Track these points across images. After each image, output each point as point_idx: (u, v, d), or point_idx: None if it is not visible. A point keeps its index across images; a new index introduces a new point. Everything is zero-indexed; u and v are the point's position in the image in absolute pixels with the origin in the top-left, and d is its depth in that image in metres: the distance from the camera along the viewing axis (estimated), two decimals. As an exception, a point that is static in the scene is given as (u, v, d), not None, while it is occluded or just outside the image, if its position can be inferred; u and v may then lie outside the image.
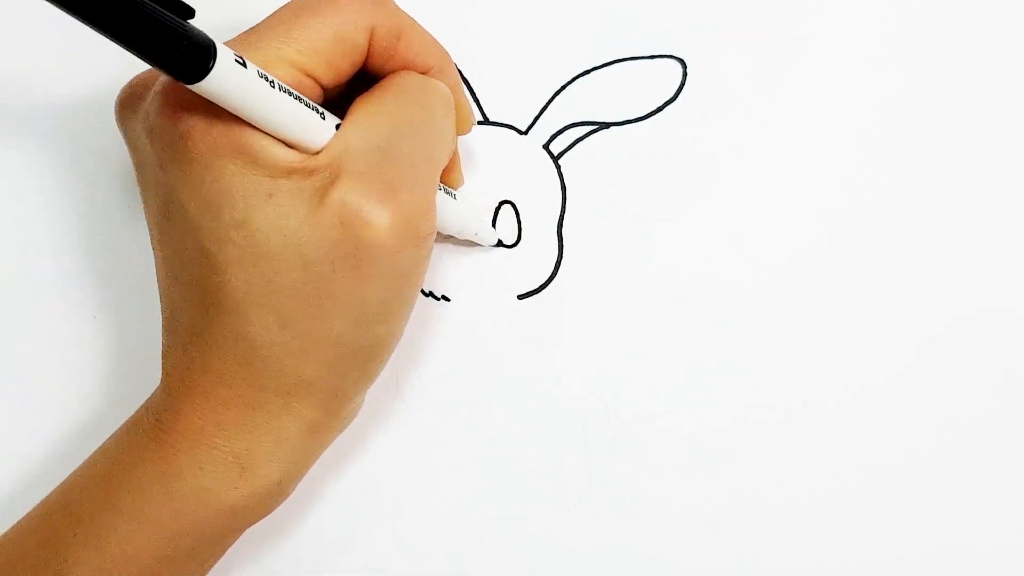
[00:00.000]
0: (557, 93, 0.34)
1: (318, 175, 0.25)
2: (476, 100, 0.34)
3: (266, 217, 0.25)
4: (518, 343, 0.33)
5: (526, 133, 0.34)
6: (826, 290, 0.33)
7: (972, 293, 0.33)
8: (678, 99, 0.34)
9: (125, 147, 0.28)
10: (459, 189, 0.33)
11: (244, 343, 0.26)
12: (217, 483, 0.27)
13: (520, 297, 0.34)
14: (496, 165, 0.34)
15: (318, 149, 0.26)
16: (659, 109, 0.34)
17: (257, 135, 0.25)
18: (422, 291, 0.34)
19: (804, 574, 0.32)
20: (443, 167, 0.28)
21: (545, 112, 0.34)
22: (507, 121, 0.34)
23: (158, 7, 0.21)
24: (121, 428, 0.29)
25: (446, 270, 0.34)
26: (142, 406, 0.29)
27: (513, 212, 0.34)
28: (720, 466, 0.33)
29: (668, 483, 0.33)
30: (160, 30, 0.21)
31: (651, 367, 0.33)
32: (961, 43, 0.33)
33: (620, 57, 0.34)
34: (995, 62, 0.33)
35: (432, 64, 0.29)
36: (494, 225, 0.34)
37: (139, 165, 0.28)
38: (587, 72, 0.34)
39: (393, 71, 0.28)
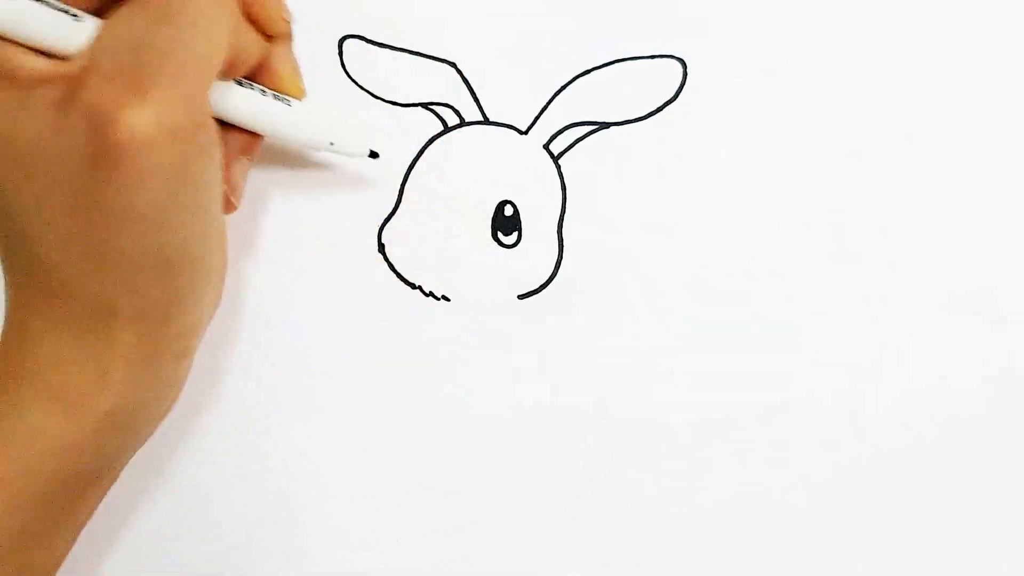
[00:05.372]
0: (557, 93, 0.34)
1: (70, 80, 0.24)
2: (476, 100, 0.34)
3: (23, 129, 0.24)
4: (518, 343, 0.33)
5: (526, 133, 0.34)
6: (827, 290, 0.33)
7: (967, 295, 0.33)
8: (678, 99, 0.34)
9: None
10: (304, 99, 0.31)
11: (39, 269, 0.26)
12: (43, 420, 0.26)
13: (520, 297, 0.34)
14: (496, 165, 0.34)
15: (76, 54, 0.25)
16: (659, 109, 0.34)
17: (7, 47, 0.24)
18: (422, 291, 0.34)
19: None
20: (217, 60, 0.26)
21: (545, 112, 0.34)
22: (507, 121, 0.34)
23: None
24: None
25: (446, 270, 0.34)
26: None
27: (513, 211, 0.34)
28: (721, 466, 0.33)
29: (668, 484, 0.33)
30: None
31: (651, 367, 0.33)
32: (961, 44, 0.33)
33: (620, 57, 0.34)
34: (994, 65, 0.33)
35: None
36: (495, 225, 0.34)
37: None
38: (587, 72, 0.34)
39: None
